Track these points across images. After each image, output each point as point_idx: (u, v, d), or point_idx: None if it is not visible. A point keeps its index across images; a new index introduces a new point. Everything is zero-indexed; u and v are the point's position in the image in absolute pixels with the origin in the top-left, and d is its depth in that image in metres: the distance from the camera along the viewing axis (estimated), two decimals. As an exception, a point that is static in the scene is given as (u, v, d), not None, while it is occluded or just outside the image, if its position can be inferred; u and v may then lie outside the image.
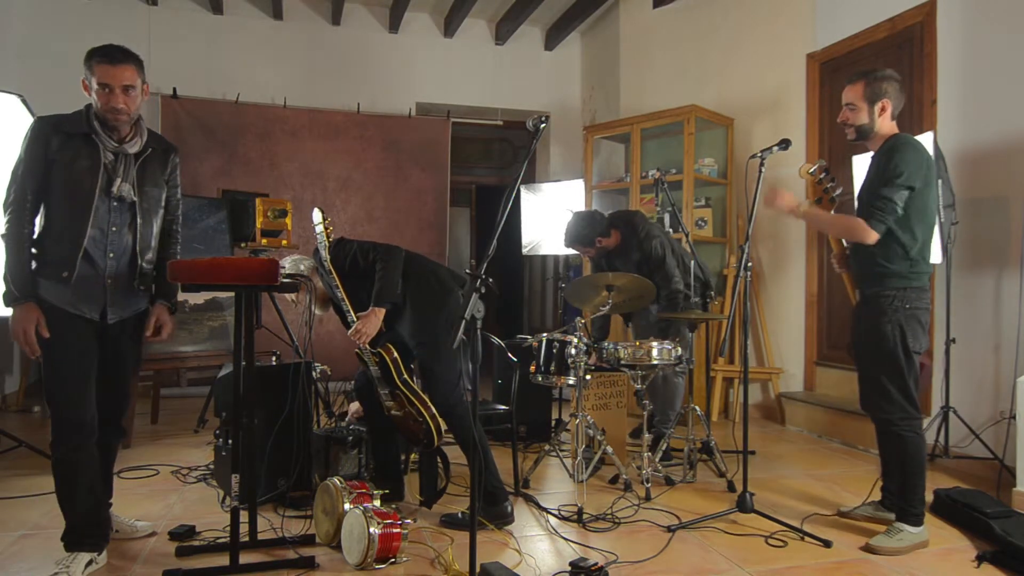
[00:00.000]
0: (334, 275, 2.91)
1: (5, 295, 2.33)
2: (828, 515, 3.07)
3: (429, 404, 2.92)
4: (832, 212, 2.86)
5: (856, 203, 2.93)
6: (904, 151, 2.64)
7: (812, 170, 2.88)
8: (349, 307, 2.94)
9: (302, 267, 3.16)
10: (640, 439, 3.48)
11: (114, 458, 2.68)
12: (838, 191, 2.85)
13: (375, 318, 2.90)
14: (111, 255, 2.39)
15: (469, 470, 3.13)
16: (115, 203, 2.39)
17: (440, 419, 2.92)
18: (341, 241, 3.04)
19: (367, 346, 2.93)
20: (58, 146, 2.33)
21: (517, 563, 2.51)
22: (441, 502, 3.12)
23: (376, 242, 3.10)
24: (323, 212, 2.89)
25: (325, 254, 2.90)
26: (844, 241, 2.98)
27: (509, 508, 2.91)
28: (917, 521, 2.70)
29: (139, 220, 2.44)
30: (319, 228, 2.88)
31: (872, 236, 2.64)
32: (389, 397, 2.99)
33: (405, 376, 2.97)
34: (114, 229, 2.39)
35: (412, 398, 2.93)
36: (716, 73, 5.81)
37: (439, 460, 3.14)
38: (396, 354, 2.96)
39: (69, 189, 2.34)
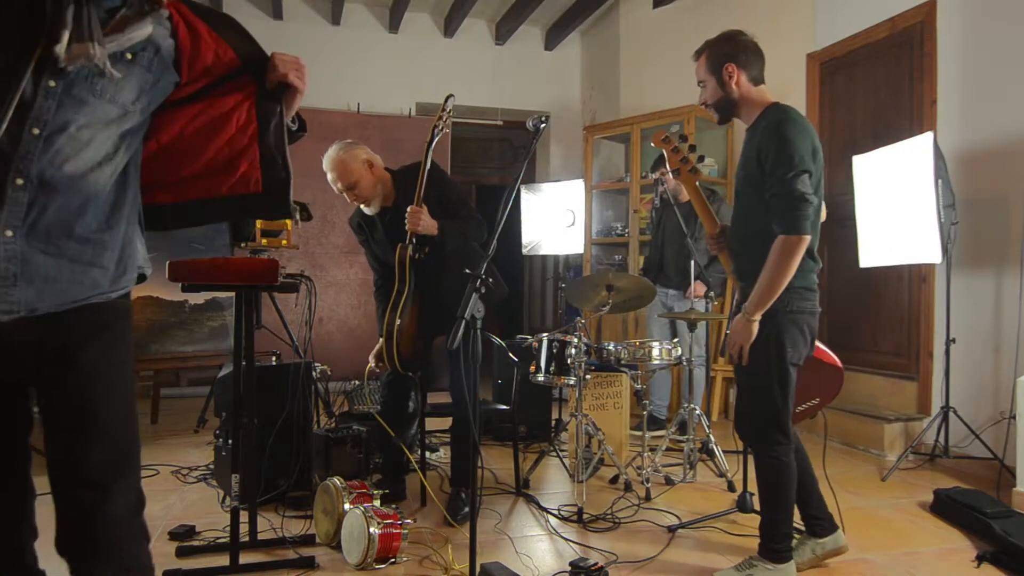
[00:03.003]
0: (426, 162, 2.89)
1: None
2: (839, 512, 3.06)
3: (402, 330, 2.92)
4: (696, 184, 2.58)
5: (736, 187, 2.54)
6: (790, 129, 2.24)
7: (664, 138, 2.60)
8: (421, 190, 2.89)
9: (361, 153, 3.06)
10: (640, 431, 3.49)
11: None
12: (699, 160, 2.60)
13: (432, 225, 2.90)
14: (18, 181, 1.21)
15: (456, 468, 3.15)
16: (50, 81, 1.22)
17: (397, 353, 2.93)
18: (440, 170, 3.01)
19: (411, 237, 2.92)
20: None
21: (517, 563, 2.51)
22: (435, 499, 3.12)
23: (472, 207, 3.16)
24: (451, 100, 2.91)
25: (435, 135, 2.89)
26: (716, 221, 2.63)
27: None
28: (779, 557, 2.35)
29: (78, 114, 1.25)
30: (447, 110, 2.88)
31: (803, 242, 2.21)
32: (401, 304, 2.98)
33: (408, 291, 2.94)
34: (35, 132, 1.21)
35: (401, 310, 2.92)
36: (716, 73, 5.80)
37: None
38: (418, 259, 2.94)
39: None
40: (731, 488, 3.43)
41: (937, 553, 2.68)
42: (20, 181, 1.20)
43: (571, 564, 2.39)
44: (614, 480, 3.54)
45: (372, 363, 3.27)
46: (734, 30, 2.45)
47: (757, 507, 2.93)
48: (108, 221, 1.32)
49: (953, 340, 3.81)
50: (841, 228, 4.84)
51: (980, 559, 2.58)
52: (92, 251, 1.30)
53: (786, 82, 5.31)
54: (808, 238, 2.22)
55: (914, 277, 4.32)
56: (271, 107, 1.49)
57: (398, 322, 2.93)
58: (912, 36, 4.34)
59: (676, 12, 6.19)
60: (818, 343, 2.68)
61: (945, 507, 3.05)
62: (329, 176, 3.05)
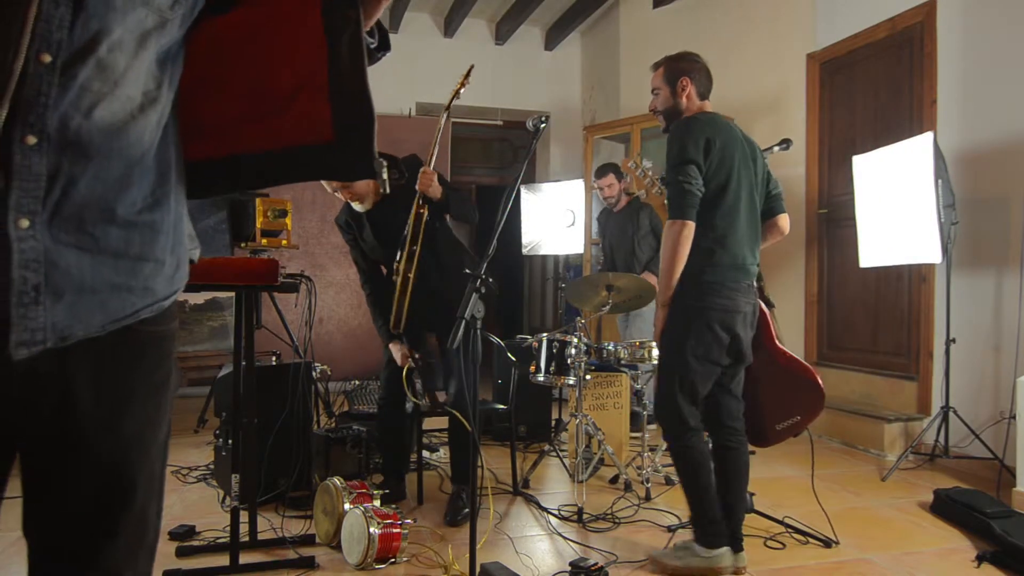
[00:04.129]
0: (443, 122, 2.91)
1: None
2: (826, 515, 3.07)
3: (408, 291, 2.89)
4: (664, 201, 2.69)
5: None
6: (687, 125, 2.44)
7: (631, 164, 2.89)
8: (435, 152, 2.89)
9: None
10: (639, 429, 3.50)
11: None
12: (660, 179, 2.76)
13: (438, 189, 2.90)
14: (29, 140, 0.77)
15: (455, 466, 3.14)
16: None
17: (401, 310, 2.89)
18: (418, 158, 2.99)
19: (421, 201, 2.90)
20: None
21: (517, 563, 2.51)
22: (435, 499, 3.12)
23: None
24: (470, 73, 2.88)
25: (452, 100, 2.88)
26: None
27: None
28: (707, 542, 2.42)
29: (104, 24, 0.80)
30: (463, 84, 2.85)
31: (686, 227, 2.35)
32: (404, 258, 2.95)
33: (418, 246, 2.91)
34: (45, 59, 0.76)
35: (411, 269, 2.90)
36: (716, 73, 5.75)
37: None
38: (427, 219, 2.91)
39: None
40: (731, 488, 3.43)
41: (937, 553, 2.68)
42: (32, 140, 0.76)
43: (571, 564, 2.39)
44: (614, 480, 3.54)
45: (405, 356, 3.17)
46: (694, 53, 2.69)
47: (757, 507, 2.95)
48: (155, 192, 0.90)
49: (953, 340, 3.81)
50: (841, 228, 4.85)
51: (980, 559, 2.58)
52: (141, 239, 0.88)
53: (786, 82, 5.32)
54: (691, 224, 2.36)
55: (914, 277, 4.32)
56: (345, 12, 0.98)
57: (411, 277, 2.88)
58: (912, 36, 4.34)
59: (676, 12, 6.19)
60: (799, 358, 2.68)
61: (945, 507, 3.05)
62: None
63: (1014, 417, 3.22)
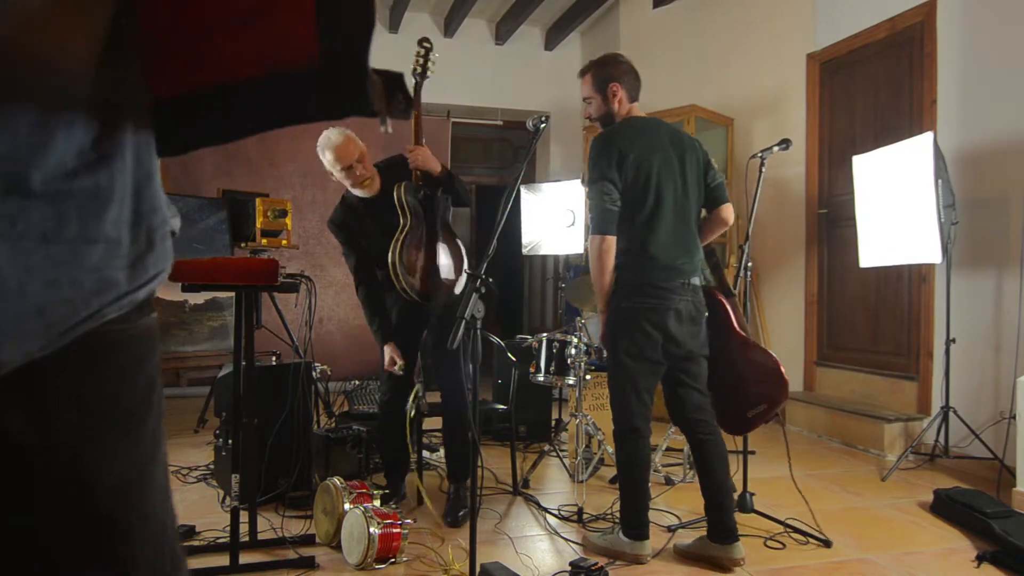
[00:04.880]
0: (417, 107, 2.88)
1: None
2: (827, 515, 3.07)
3: (406, 264, 2.87)
4: None
5: None
6: (599, 142, 2.54)
7: None
8: (421, 128, 2.92)
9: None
10: None
11: None
12: None
13: (435, 162, 2.91)
14: None
15: (451, 462, 3.13)
16: None
17: (405, 285, 2.85)
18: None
19: (417, 173, 2.92)
20: None
21: (517, 563, 2.51)
22: (435, 499, 3.12)
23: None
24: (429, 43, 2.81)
25: (416, 80, 2.87)
26: None
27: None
28: (628, 533, 2.55)
29: None
30: (423, 57, 2.83)
31: (604, 241, 2.50)
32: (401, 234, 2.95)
33: (408, 226, 2.90)
34: None
35: (402, 245, 2.88)
36: (716, 73, 5.81)
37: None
38: (424, 194, 2.94)
39: None
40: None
41: (937, 553, 2.68)
42: None
43: (571, 564, 2.39)
44: (614, 480, 3.54)
45: (395, 362, 3.08)
46: (617, 53, 2.73)
47: (757, 507, 2.95)
48: (99, 145, 0.60)
49: (953, 340, 3.81)
50: (841, 228, 4.85)
51: (980, 559, 2.58)
52: (79, 213, 0.59)
53: (786, 82, 5.32)
54: (610, 238, 2.49)
55: (914, 277, 4.32)
56: None
57: (399, 253, 2.84)
58: (912, 36, 4.34)
59: (676, 12, 6.19)
60: (761, 346, 2.70)
61: (945, 507, 3.05)
62: (330, 156, 2.90)
63: (1014, 417, 3.22)
